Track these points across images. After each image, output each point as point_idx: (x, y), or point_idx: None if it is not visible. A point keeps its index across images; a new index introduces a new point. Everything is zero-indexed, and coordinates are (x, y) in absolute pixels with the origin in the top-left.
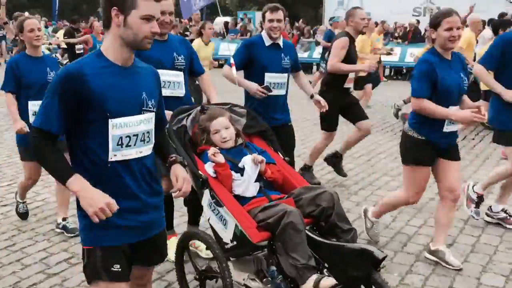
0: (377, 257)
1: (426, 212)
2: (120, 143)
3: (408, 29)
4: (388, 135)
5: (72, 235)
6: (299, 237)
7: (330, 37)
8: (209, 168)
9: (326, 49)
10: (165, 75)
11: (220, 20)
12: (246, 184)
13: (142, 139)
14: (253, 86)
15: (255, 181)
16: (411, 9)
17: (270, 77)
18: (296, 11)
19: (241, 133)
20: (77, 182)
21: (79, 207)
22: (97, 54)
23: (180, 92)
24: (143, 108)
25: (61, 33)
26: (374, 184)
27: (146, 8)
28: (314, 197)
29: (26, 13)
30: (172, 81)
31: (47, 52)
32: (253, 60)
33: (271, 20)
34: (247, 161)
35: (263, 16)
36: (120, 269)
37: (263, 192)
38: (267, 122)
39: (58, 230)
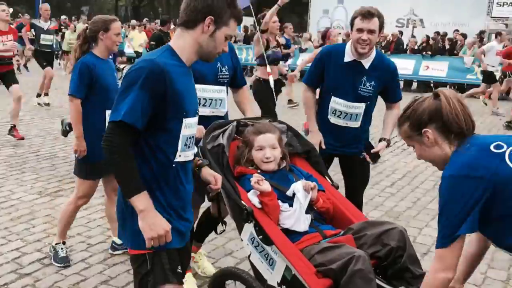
0: None
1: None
2: (186, 143)
3: (391, 39)
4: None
5: (60, 265)
6: None
7: None
8: (253, 197)
9: None
10: (206, 91)
11: None
12: (297, 216)
13: (194, 142)
14: (316, 136)
15: (305, 213)
16: (394, 20)
17: (336, 103)
18: (282, 17)
19: (287, 156)
20: (145, 201)
21: (132, 211)
22: (171, 52)
23: (222, 111)
24: (196, 111)
25: (137, 36)
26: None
27: (233, 29)
28: (380, 234)
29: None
30: (214, 98)
31: None
32: (323, 76)
33: (359, 30)
34: (298, 189)
35: (352, 23)
36: (181, 271)
37: (314, 227)
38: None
39: (32, 229)
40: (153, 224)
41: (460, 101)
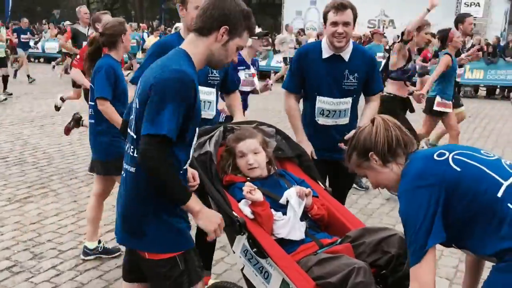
0: None
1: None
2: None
3: (362, 40)
4: None
5: (116, 254)
6: None
7: None
8: (244, 207)
9: None
10: None
11: None
12: (291, 225)
13: None
14: (307, 146)
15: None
16: (366, 21)
17: (323, 103)
18: (255, 19)
19: (274, 161)
20: (198, 201)
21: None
22: (189, 59)
23: (211, 113)
24: None
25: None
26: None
27: (245, 41)
28: (379, 241)
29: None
30: (203, 100)
31: None
32: (304, 77)
33: (334, 24)
34: (292, 195)
35: (325, 17)
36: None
37: (309, 236)
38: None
39: (1, 237)
40: (211, 217)
41: (393, 124)
